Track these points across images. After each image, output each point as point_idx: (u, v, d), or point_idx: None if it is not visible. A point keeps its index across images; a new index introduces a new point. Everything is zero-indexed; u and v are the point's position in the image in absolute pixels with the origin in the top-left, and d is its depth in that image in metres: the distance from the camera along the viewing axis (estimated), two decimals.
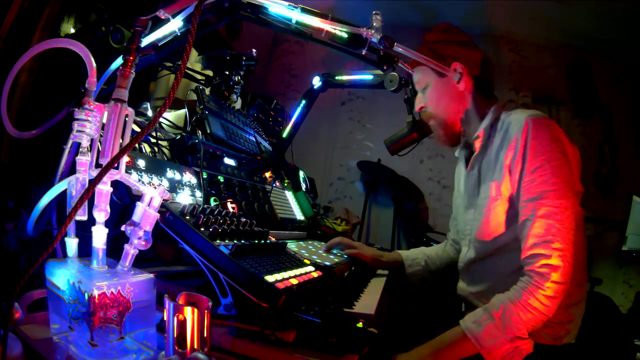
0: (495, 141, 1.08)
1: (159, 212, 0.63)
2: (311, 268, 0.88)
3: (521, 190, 0.97)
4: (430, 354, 0.88)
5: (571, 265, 0.89)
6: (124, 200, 0.79)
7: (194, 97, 1.37)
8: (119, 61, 0.68)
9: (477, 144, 1.13)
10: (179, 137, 1.14)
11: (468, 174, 1.19)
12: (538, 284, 0.87)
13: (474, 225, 1.13)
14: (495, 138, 1.08)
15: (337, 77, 1.65)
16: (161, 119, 1.29)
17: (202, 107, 1.33)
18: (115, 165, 0.58)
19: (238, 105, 1.77)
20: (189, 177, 1.02)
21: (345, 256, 1.30)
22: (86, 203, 0.60)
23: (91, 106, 0.64)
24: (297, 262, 0.87)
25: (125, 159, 0.69)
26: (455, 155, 1.29)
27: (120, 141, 0.64)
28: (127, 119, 0.66)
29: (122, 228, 0.62)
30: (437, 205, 3.34)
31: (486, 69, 1.17)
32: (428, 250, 1.44)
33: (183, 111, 1.41)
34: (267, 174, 1.49)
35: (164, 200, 0.64)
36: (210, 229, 0.74)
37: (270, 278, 0.68)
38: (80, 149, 0.64)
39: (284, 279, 0.71)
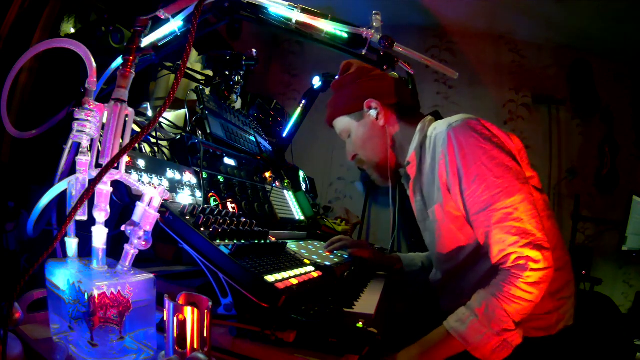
0: (427, 160, 1.04)
1: (159, 212, 0.63)
2: (311, 268, 0.88)
3: (467, 205, 0.93)
4: (419, 354, 0.87)
5: (549, 249, 0.86)
6: (124, 200, 0.79)
7: (194, 97, 1.37)
8: (119, 61, 0.68)
9: (411, 171, 1.09)
10: (179, 137, 1.14)
11: (414, 201, 1.15)
12: (517, 275, 0.84)
13: (432, 247, 1.10)
14: (427, 157, 1.04)
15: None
16: (161, 119, 1.29)
17: (202, 107, 1.33)
18: (115, 165, 0.58)
19: (238, 105, 1.77)
20: (189, 177, 1.02)
21: (346, 256, 1.30)
22: (86, 203, 0.60)
23: (91, 106, 0.64)
24: (297, 262, 0.87)
25: (125, 159, 0.69)
26: (402, 182, 1.24)
27: (120, 141, 0.64)
28: (127, 119, 0.66)
29: (122, 228, 0.62)
30: None
31: (401, 92, 1.13)
32: (425, 253, 1.44)
33: (183, 111, 1.41)
34: (267, 174, 1.49)
35: (164, 200, 0.64)
36: (210, 229, 0.74)
37: (270, 278, 0.68)
38: (80, 149, 0.64)
39: (284, 279, 0.71)
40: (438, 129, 1.00)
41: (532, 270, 0.83)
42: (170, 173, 0.96)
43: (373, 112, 1.10)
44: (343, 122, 1.16)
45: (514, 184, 0.89)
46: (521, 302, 0.84)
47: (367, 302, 0.91)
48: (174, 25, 0.83)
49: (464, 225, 0.99)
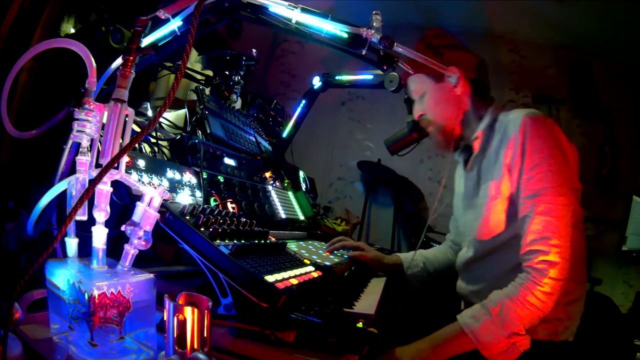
0: (494, 142, 1.08)
1: (159, 212, 0.63)
2: (311, 268, 0.88)
3: (520, 187, 0.98)
4: (429, 348, 0.89)
5: (568, 262, 0.89)
6: (124, 200, 0.78)
7: (194, 97, 1.37)
8: (119, 61, 0.68)
9: (476, 145, 1.13)
10: (179, 137, 1.14)
11: (467, 175, 1.19)
12: (535, 279, 0.88)
13: (474, 225, 1.13)
14: (494, 139, 1.08)
15: (337, 77, 1.64)
16: (161, 119, 1.29)
17: (202, 107, 1.33)
18: (115, 165, 0.58)
19: (238, 105, 1.77)
20: (189, 177, 1.02)
21: (346, 256, 1.30)
22: (86, 203, 0.60)
23: (91, 106, 0.64)
24: (297, 262, 0.87)
25: (125, 159, 0.69)
26: (455, 158, 1.29)
27: (120, 141, 0.64)
28: (127, 119, 0.66)
29: (122, 228, 0.62)
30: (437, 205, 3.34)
31: (482, 71, 1.18)
32: (426, 252, 1.44)
33: (183, 111, 1.41)
34: (267, 174, 1.49)
35: (164, 200, 0.64)
36: (210, 229, 0.74)
37: (270, 278, 0.68)
38: (80, 149, 0.64)
39: (284, 279, 0.71)
40: (512, 115, 1.05)
41: (549, 278, 0.87)
42: (170, 173, 0.96)
43: (453, 80, 1.13)
44: (421, 80, 1.19)
45: (564, 187, 0.94)
46: (533, 309, 0.87)
47: (367, 302, 0.91)
48: (174, 25, 0.83)
49: (510, 208, 1.02)
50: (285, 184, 1.68)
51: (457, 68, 1.13)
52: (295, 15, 0.89)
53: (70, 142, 0.68)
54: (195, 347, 0.54)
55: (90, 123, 0.64)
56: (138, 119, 1.12)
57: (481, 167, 1.13)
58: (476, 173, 1.14)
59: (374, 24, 0.90)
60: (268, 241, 0.86)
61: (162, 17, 0.80)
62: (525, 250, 0.93)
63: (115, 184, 0.67)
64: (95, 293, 0.53)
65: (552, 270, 0.88)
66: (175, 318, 0.54)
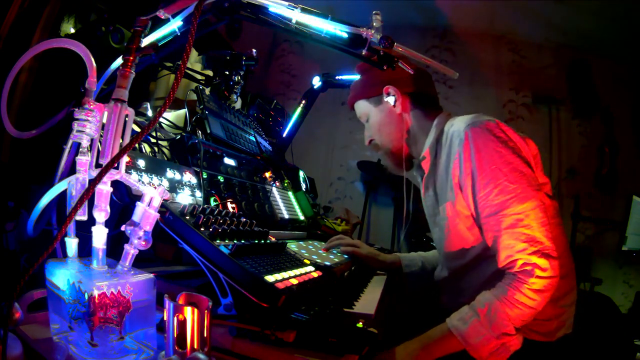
0: (442, 157, 1.04)
1: (159, 212, 0.63)
2: (311, 268, 0.88)
3: (478, 208, 0.94)
4: (418, 349, 0.88)
5: (555, 259, 0.86)
6: (124, 200, 0.79)
7: (194, 97, 1.37)
8: (119, 61, 0.68)
9: (425, 166, 1.10)
10: (179, 137, 1.14)
11: (425, 195, 1.15)
12: (522, 280, 0.85)
13: (440, 244, 1.11)
14: (442, 155, 1.04)
15: (337, 77, 1.65)
16: (161, 119, 1.29)
17: (202, 107, 1.33)
18: (115, 165, 0.58)
19: (238, 105, 1.77)
20: (189, 177, 1.02)
21: (346, 256, 1.30)
22: (86, 203, 0.60)
23: (91, 106, 0.64)
24: (297, 262, 0.87)
25: (125, 159, 0.69)
26: (410, 179, 1.25)
27: (120, 141, 0.64)
28: (127, 119, 0.66)
29: (122, 228, 0.62)
30: None
31: (421, 82, 1.14)
32: (426, 253, 1.44)
33: (183, 111, 1.41)
34: (267, 174, 1.49)
35: (164, 200, 0.64)
36: (210, 229, 0.74)
37: (270, 278, 0.68)
38: (80, 149, 0.64)
39: (284, 279, 0.71)
40: (455, 127, 1.00)
41: (537, 277, 0.84)
42: (170, 173, 0.96)
43: (391, 99, 1.11)
44: (362, 106, 1.18)
45: (527, 191, 0.89)
46: (524, 307, 0.84)
47: (367, 302, 0.91)
48: (174, 25, 0.83)
49: (473, 226, 0.99)
50: (285, 184, 1.68)
51: (391, 86, 1.11)
52: (295, 15, 0.89)
53: (70, 142, 0.68)
54: (195, 347, 0.54)
55: (90, 123, 0.64)
56: (138, 119, 1.12)
57: (436, 187, 1.09)
58: (432, 193, 1.11)
59: (374, 24, 0.89)
60: (268, 241, 0.86)
61: (162, 17, 0.80)
62: (503, 264, 0.90)
63: (115, 184, 0.67)
64: (95, 293, 0.53)
65: (538, 270, 0.84)
66: (175, 318, 0.54)
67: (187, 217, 0.73)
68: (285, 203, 1.54)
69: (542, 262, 0.85)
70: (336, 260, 1.18)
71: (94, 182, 0.54)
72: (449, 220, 1.02)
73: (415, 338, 0.89)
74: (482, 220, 0.94)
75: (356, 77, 1.60)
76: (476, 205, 0.94)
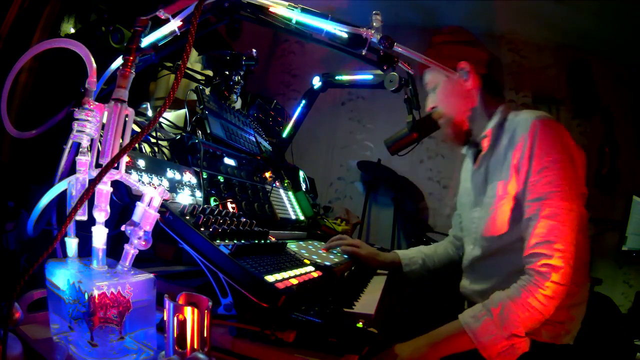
0: (503, 141, 1.09)
1: (159, 212, 0.63)
2: (311, 268, 0.88)
3: (527, 189, 0.98)
4: (427, 345, 0.89)
5: (571, 267, 0.90)
6: (124, 200, 0.79)
7: (194, 97, 1.37)
8: (119, 61, 0.68)
9: (485, 143, 1.15)
10: (179, 137, 1.14)
11: (475, 171, 1.20)
12: (538, 282, 0.88)
13: (480, 223, 1.14)
14: (503, 138, 1.09)
15: (337, 77, 1.65)
16: (161, 119, 1.29)
17: (202, 107, 1.33)
18: (115, 165, 0.57)
19: (238, 105, 1.77)
20: (189, 177, 1.02)
21: (346, 256, 1.30)
22: (86, 203, 0.60)
23: (91, 106, 0.64)
24: (297, 262, 0.87)
25: (125, 159, 0.69)
26: (462, 152, 1.31)
27: (120, 141, 0.64)
28: (127, 119, 0.66)
29: (122, 228, 0.62)
30: (437, 205, 3.34)
31: (493, 68, 1.19)
32: (426, 248, 1.44)
33: (183, 111, 1.41)
34: (267, 174, 1.49)
35: (164, 200, 0.64)
36: (210, 229, 0.74)
37: (270, 278, 0.68)
38: (80, 149, 0.64)
39: (284, 279, 0.71)
40: (523, 116, 1.06)
41: (552, 282, 0.88)
42: (170, 173, 0.96)
43: (464, 74, 1.15)
44: (433, 74, 1.21)
45: (570, 192, 0.95)
46: (534, 312, 0.87)
47: (367, 302, 0.91)
48: (174, 25, 0.83)
49: (516, 209, 1.03)
50: (285, 184, 1.68)
51: (467, 63, 1.15)
52: (295, 15, 0.89)
53: (70, 142, 0.68)
54: (195, 347, 0.54)
55: (90, 123, 0.64)
56: (138, 119, 1.12)
57: (489, 165, 1.14)
58: (484, 170, 1.15)
59: (374, 24, 0.90)
60: (268, 241, 0.86)
61: (162, 17, 0.80)
62: (528, 252, 0.94)
63: (115, 184, 0.67)
64: (95, 293, 0.53)
65: (555, 274, 0.88)
66: (175, 318, 0.54)
67: (187, 217, 0.73)
68: (286, 203, 1.54)
69: (559, 264, 0.89)
70: (336, 260, 1.18)
71: (94, 182, 0.54)
72: (497, 198, 1.06)
73: (424, 335, 0.91)
74: (526, 203, 0.98)
75: (357, 76, 1.60)
76: (525, 187, 0.99)
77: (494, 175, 1.10)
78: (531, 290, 0.88)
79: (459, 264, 1.41)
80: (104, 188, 0.63)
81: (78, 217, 0.63)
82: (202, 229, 0.72)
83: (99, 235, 0.61)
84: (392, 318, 1.27)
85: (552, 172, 0.95)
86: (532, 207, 0.96)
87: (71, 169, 0.69)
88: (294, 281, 0.73)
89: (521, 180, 1.00)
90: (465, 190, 1.29)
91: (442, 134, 1.24)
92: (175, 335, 0.54)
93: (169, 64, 1.49)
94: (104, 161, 0.62)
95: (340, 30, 0.91)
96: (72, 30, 1.32)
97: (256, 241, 0.81)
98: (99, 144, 0.65)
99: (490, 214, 1.08)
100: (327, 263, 1.05)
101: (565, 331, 1.01)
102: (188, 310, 0.54)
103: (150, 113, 1.34)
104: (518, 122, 1.05)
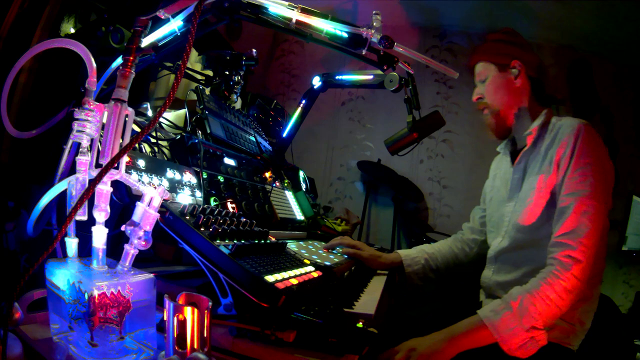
0: (545, 141, 1.15)
1: (159, 212, 0.63)
2: (311, 268, 0.88)
3: (563, 184, 1.04)
4: (445, 340, 0.90)
5: (590, 266, 0.92)
6: (124, 200, 0.78)
7: (194, 97, 1.37)
8: (119, 61, 0.68)
9: (529, 140, 1.19)
10: (179, 137, 1.14)
11: (514, 167, 1.24)
12: (559, 273, 0.91)
13: (513, 216, 1.17)
14: (545, 138, 1.15)
15: (337, 77, 1.65)
16: (161, 119, 1.29)
17: (202, 107, 1.33)
18: (115, 165, 0.58)
19: (238, 105, 1.77)
20: (189, 177, 1.02)
21: (346, 256, 1.30)
22: (86, 203, 0.60)
23: (91, 106, 0.64)
24: (297, 262, 0.87)
25: (125, 159, 0.69)
26: (497, 150, 1.37)
27: (120, 141, 0.64)
28: (127, 119, 0.66)
29: (122, 228, 0.62)
30: (437, 205, 3.34)
31: (542, 73, 1.25)
32: (429, 247, 1.44)
33: (183, 111, 1.41)
34: (267, 174, 1.49)
35: (164, 200, 0.64)
36: (210, 229, 0.74)
37: (270, 278, 0.68)
38: (80, 149, 0.64)
39: (284, 279, 0.71)
40: (568, 121, 1.12)
41: (571, 274, 0.91)
42: (170, 173, 0.96)
43: (515, 72, 1.21)
44: (485, 67, 1.27)
45: (602, 195, 1.00)
46: (552, 305, 0.89)
47: (367, 302, 0.91)
48: (174, 25, 0.83)
49: (551, 203, 1.07)
50: (285, 184, 1.68)
51: (520, 62, 1.21)
52: (295, 15, 0.89)
53: (70, 142, 0.68)
54: (195, 347, 0.54)
55: (90, 123, 0.64)
56: (138, 119, 1.12)
57: (528, 161, 1.19)
58: (523, 167, 1.20)
59: (374, 24, 0.90)
60: (268, 241, 0.86)
61: (162, 17, 0.80)
62: (554, 241, 0.97)
63: (115, 184, 0.67)
64: (95, 293, 0.53)
65: (576, 266, 0.91)
66: (175, 318, 0.54)
67: (187, 217, 0.73)
68: (286, 203, 1.54)
69: (581, 257, 0.92)
70: (336, 260, 1.18)
71: (94, 182, 0.54)
72: (535, 191, 1.10)
73: (442, 329, 0.92)
74: (560, 197, 1.03)
75: (357, 76, 1.60)
76: (563, 181, 1.04)
77: (534, 169, 1.15)
78: (551, 283, 0.91)
79: (464, 263, 1.42)
80: (104, 188, 0.63)
81: (78, 217, 0.63)
82: (202, 229, 0.72)
83: (99, 235, 0.61)
84: (392, 318, 1.27)
85: (589, 173, 1.01)
86: (566, 202, 1.01)
87: (71, 169, 0.69)
88: (294, 281, 0.73)
89: (560, 175, 1.05)
90: (495, 186, 1.34)
91: (486, 123, 1.29)
92: (175, 335, 0.54)
93: (169, 64, 1.49)
94: (104, 161, 0.62)
95: (340, 30, 0.91)
96: (72, 30, 1.32)
97: (256, 241, 0.81)
98: (99, 144, 0.65)
99: (527, 205, 1.11)
100: (327, 263, 1.05)
101: (574, 334, 1.02)
102: (188, 310, 0.54)
103: (150, 113, 1.34)
104: (562, 125, 1.11)
